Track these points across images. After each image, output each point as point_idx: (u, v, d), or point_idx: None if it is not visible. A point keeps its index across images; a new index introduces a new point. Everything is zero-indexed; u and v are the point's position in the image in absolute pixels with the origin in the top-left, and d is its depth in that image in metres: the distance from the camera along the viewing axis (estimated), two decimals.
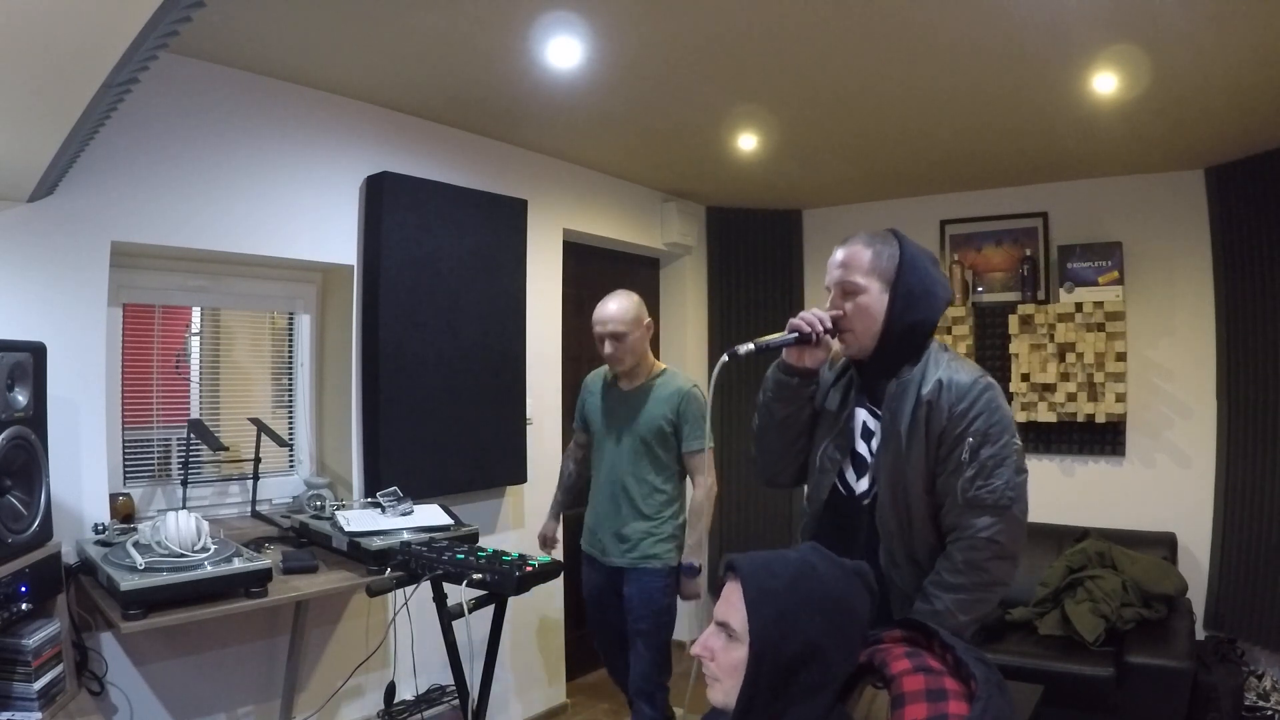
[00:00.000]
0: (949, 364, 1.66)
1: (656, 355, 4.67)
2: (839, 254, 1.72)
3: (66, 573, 2.10)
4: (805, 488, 1.87)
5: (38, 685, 1.88)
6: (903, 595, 1.66)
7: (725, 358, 1.65)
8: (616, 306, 2.72)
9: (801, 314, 1.69)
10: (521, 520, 3.60)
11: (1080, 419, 3.90)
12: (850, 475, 1.75)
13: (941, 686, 1.10)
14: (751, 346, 1.66)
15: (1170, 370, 3.86)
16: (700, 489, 2.75)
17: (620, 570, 2.76)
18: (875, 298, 1.67)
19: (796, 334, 1.67)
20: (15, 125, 1.69)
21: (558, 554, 3.10)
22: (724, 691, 1.16)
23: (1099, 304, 3.80)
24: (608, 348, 2.73)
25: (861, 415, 1.74)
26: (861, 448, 1.73)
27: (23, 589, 1.86)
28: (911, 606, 1.61)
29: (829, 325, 1.68)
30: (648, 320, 2.78)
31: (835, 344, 1.74)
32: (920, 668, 1.14)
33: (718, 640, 1.18)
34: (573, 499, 3.16)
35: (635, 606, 2.72)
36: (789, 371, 1.74)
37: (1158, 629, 3.27)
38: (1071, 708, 3.10)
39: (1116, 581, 3.37)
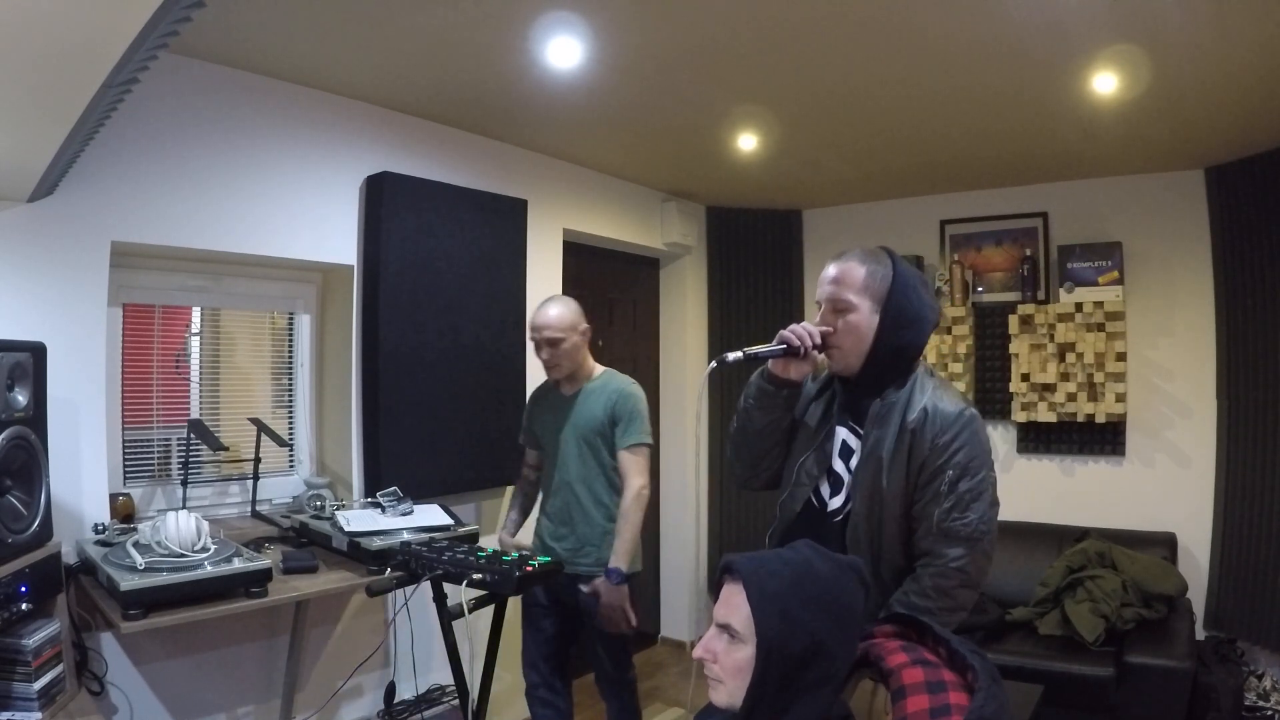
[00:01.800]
0: (935, 391, 1.67)
1: (655, 355, 4.74)
2: (832, 269, 1.72)
3: (66, 573, 2.10)
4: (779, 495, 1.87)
5: (38, 685, 1.88)
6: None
7: (713, 364, 1.69)
8: (554, 312, 2.67)
9: (791, 327, 1.69)
10: None
11: (1080, 419, 3.89)
12: (825, 490, 1.75)
13: (940, 678, 1.11)
14: (740, 355, 1.67)
15: (1170, 370, 3.86)
16: (630, 489, 2.62)
17: (571, 578, 2.61)
18: (866, 317, 1.67)
19: (785, 346, 1.67)
20: (15, 125, 1.69)
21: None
22: (728, 693, 1.16)
23: (1099, 304, 3.80)
24: (544, 353, 2.69)
25: (842, 433, 1.74)
26: (839, 465, 1.73)
27: (23, 589, 1.86)
28: (875, 619, 1.61)
29: (818, 341, 1.67)
30: (584, 326, 2.73)
31: (821, 358, 1.73)
32: (918, 660, 1.15)
33: (719, 642, 1.18)
34: (525, 519, 2.98)
35: (593, 608, 2.61)
36: (773, 381, 1.73)
37: (1158, 629, 3.27)
38: (1071, 708, 3.10)
39: (1116, 581, 3.37)
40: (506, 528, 2.91)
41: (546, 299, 2.75)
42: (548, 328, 2.64)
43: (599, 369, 2.80)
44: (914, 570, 1.64)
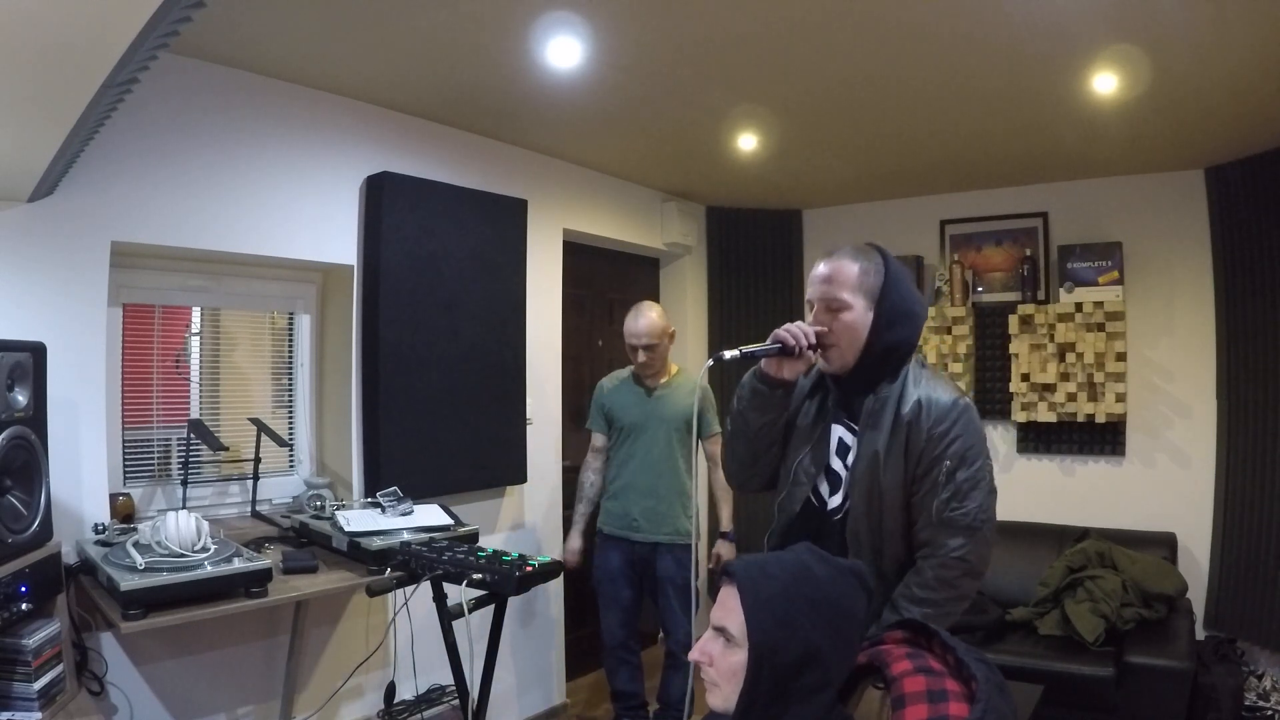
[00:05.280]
0: (928, 382, 1.67)
1: None
2: (823, 268, 1.71)
3: (66, 573, 2.10)
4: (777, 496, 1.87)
5: (38, 685, 1.88)
6: None
7: (710, 362, 1.69)
8: (653, 320, 3.16)
9: (786, 326, 1.67)
10: (521, 520, 3.60)
11: (1080, 419, 3.90)
12: (823, 489, 1.75)
13: (942, 688, 1.10)
14: (737, 353, 1.66)
15: (1170, 370, 3.86)
16: (720, 469, 3.13)
17: (651, 546, 3.17)
18: (860, 315, 1.66)
19: (779, 345, 1.66)
20: (15, 125, 1.68)
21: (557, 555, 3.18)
22: (723, 697, 1.16)
23: (1099, 304, 3.80)
24: (641, 356, 3.18)
25: (838, 431, 1.74)
26: (836, 463, 1.73)
27: (23, 589, 1.86)
28: (878, 618, 1.62)
29: (813, 340, 1.66)
30: (672, 329, 3.26)
31: (815, 358, 1.73)
32: (921, 669, 1.14)
33: (715, 645, 1.18)
34: (595, 510, 3.37)
35: (674, 575, 3.15)
36: (766, 381, 1.72)
37: (1158, 629, 3.27)
38: (1071, 708, 3.11)
39: (1116, 581, 3.37)
40: (578, 525, 3.34)
41: (637, 308, 3.19)
42: (646, 335, 3.15)
43: (674, 366, 3.35)
44: (915, 563, 1.64)
